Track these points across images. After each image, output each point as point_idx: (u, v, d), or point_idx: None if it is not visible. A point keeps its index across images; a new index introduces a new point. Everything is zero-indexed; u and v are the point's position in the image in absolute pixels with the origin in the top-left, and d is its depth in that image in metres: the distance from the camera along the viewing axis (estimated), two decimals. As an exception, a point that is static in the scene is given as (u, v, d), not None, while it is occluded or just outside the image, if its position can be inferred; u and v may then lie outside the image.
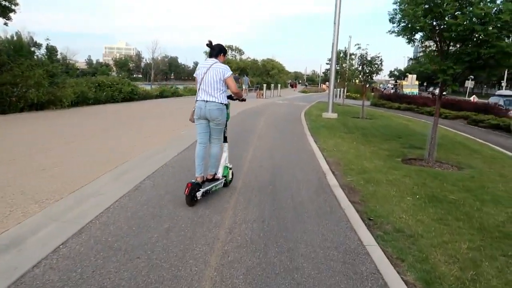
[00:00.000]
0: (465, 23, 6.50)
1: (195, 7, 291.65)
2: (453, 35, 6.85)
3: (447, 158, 8.68)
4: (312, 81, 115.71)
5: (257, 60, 72.69)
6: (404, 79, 57.20)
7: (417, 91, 54.40)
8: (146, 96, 23.63)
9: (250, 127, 11.53)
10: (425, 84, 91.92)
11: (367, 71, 17.24)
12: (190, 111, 4.97)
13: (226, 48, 5.06)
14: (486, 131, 15.94)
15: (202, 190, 4.51)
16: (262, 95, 31.17)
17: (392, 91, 55.81)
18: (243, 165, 6.58)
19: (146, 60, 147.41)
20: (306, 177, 6.04)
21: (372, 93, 45.85)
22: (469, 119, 18.88)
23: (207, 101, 4.63)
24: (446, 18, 6.78)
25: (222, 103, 4.68)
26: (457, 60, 7.09)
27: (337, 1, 15.54)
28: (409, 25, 7.65)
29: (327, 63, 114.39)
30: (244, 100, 5.19)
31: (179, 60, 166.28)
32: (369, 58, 17.01)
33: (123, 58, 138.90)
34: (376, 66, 17.30)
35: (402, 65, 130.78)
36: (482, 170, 7.60)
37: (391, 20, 8.21)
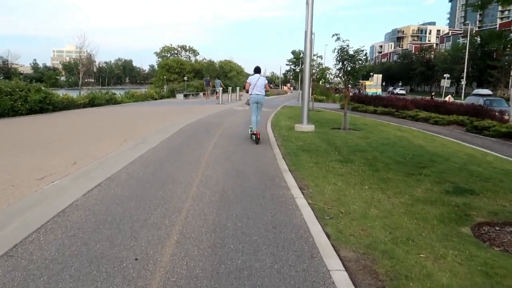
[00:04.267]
0: None
1: (148, 9, 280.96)
2: None
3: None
4: (272, 82, 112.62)
5: (213, 62, 68.13)
6: (369, 79, 54.66)
7: (381, 91, 52.09)
8: (69, 106, 18.65)
9: (188, 163, 7.23)
10: (383, 83, 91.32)
11: (349, 68, 13.40)
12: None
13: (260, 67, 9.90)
14: (502, 143, 12.45)
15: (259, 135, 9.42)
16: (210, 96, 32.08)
17: (354, 92, 52.97)
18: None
19: (98, 63, 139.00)
20: None
21: (336, 95, 42.77)
22: (468, 125, 15.51)
23: (258, 94, 9.48)
24: None
25: (264, 95, 9.66)
26: None
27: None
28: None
29: (287, 64, 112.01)
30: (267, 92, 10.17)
31: (134, 63, 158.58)
32: (351, 52, 13.19)
33: (72, 61, 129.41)
34: (360, 62, 13.52)
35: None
36: None
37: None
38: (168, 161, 6.94)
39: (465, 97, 42.32)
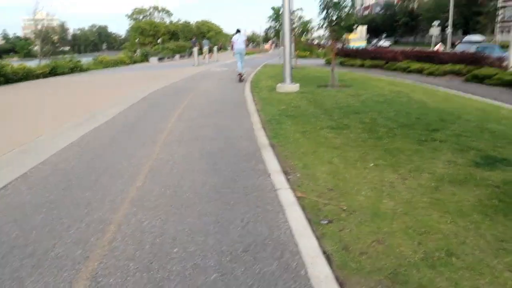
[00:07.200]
0: None
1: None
2: None
3: None
4: (253, 41, 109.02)
5: (189, 23, 64.59)
6: (352, 32, 52.13)
7: (365, 44, 50.05)
8: (26, 76, 16.66)
9: (141, 143, 5.75)
10: (367, 36, 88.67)
11: (334, 17, 11.70)
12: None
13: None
14: (509, 93, 11.07)
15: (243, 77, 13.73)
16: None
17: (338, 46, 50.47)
18: None
19: (73, 31, 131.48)
20: None
21: (320, 50, 40.81)
22: (468, 75, 14.16)
23: (239, 47, 13.43)
24: None
25: (244, 48, 13.81)
26: None
27: None
28: None
29: (266, 22, 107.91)
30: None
31: (110, 29, 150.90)
32: (335, 0, 11.45)
33: (43, 30, 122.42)
34: (345, 10, 11.80)
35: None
36: None
37: None
38: (114, 143, 5.43)
39: (452, 46, 40.77)
